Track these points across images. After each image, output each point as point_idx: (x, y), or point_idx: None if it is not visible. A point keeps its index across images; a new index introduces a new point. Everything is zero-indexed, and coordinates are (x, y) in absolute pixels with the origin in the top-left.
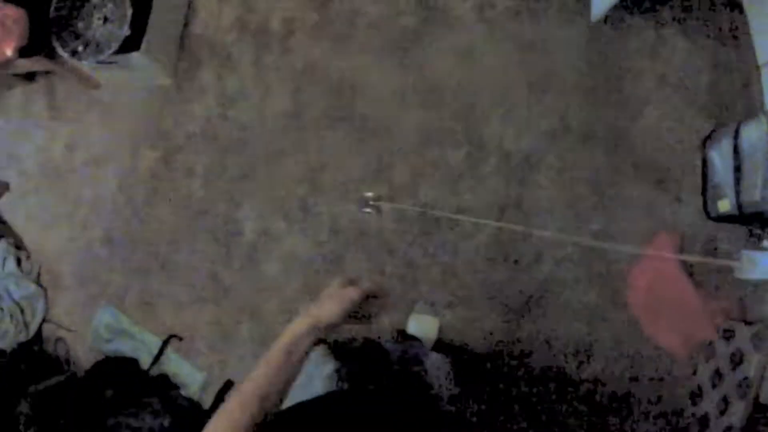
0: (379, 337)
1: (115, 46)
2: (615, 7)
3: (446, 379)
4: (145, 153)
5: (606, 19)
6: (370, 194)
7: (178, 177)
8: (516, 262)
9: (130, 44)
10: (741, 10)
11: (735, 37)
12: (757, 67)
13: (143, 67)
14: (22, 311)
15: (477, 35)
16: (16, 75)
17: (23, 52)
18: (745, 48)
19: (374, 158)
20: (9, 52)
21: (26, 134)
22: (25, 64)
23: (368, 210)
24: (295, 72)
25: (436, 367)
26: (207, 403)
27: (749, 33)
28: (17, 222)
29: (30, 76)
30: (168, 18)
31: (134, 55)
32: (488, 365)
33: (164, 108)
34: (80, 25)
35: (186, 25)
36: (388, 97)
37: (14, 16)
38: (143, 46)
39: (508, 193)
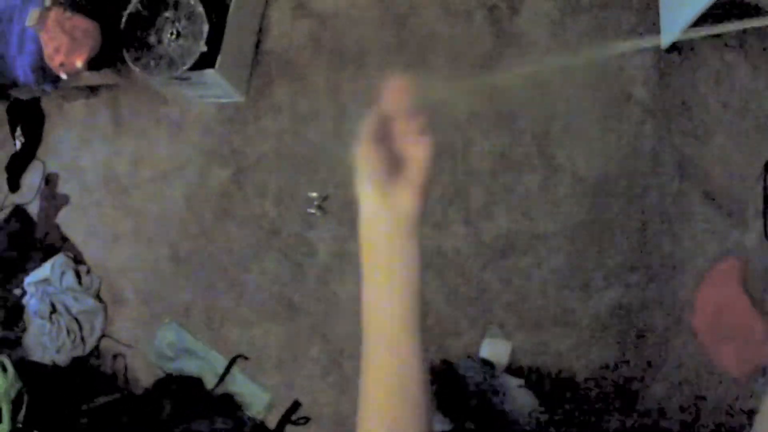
0: (454, 362)
1: (189, 62)
2: (684, 32)
3: (530, 415)
4: (215, 170)
5: (674, 45)
6: (314, 194)
7: (250, 196)
8: (586, 286)
9: (205, 61)
10: None
11: None
12: None
13: (216, 84)
14: (79, 326)
15: (549, 60)
16: (78, 87)
17: (92, 65)
18: None
19: (449, 181)
20: (79, 63)
21: (89, 147)
22: (93, 77)
23: (313, 211)
24: (370, 92)
25: (520, 403)
26: (271, 424)
27: None
28: (77, 236)
29: (93, 90)
30: (242, 34)
31: (208, 72)
32: (560, 388)
33: (235, 126)
34: (152, 39)
35: (259, 42)
36: (463, 120)
37: (84, 27)
38: (218, 62)
39: (581, 218)
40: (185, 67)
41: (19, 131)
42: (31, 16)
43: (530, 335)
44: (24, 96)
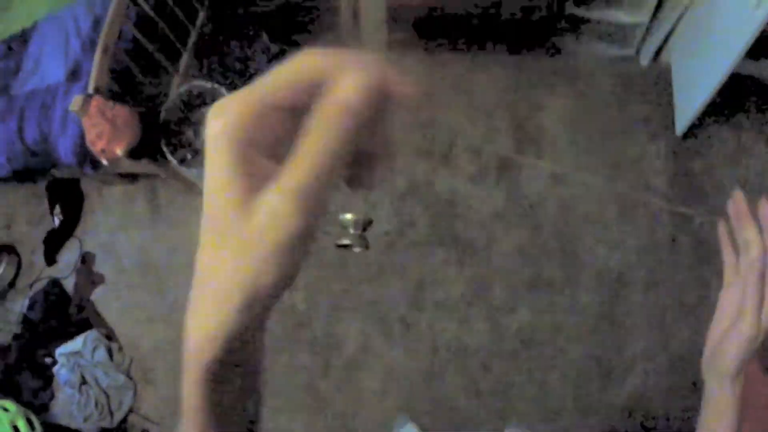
0: None
1: None
2: (698, 119)
3: None
4: None
5: (690, 131)
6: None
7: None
8: (608, 374)
9: None
10: None
11: None
12: None
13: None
14: (108, 399)
15: (570, 157)
16: (118, 174)
17: (132, 154)
18: None
19: (474, 277)
20: (119, 151)
21: (126, 231)
22: (131, 165)
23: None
24: (398, 193)
25: None
26: None
27: None
28: (111, 314)
29: (132, 177)
30: None
31: None
32: None
33: None
34: (189, 133)
35: None
36: (487, 217)
37: (125, 116)
38: None
39: (601, 309)
40: None
41: (58, 209)
42: (75, 102)
43: (551, 426)
44: (64, 175)
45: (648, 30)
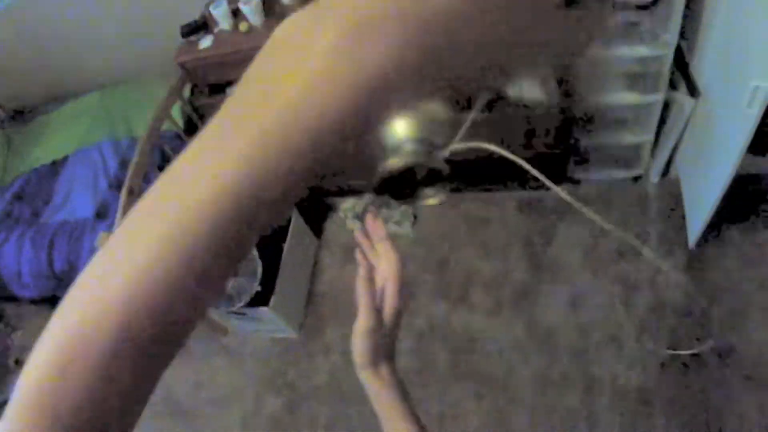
0: None
1: (245, 299)
2: (710, 226)
3: None
4: (270, 399)
5: (702, 239)
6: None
7: (301, 425)
8: None
9: (260, 299)
10: None
11: None
12: None
13: (271, 321)
14: None
15: (584, 282)
16: None
17: None
18: None
19: (493, 408)
20: None
21: None
22: None
23: None
24: (417, 331)
25: None
26: None
27: None
28: None
29: None
30: (295, 275)
31: (263, 310)
32: None
33: (289, 360)
34: None
35: (312, 283)
36: (506, 349)
37: None
38: (272, 302)
39: (623, 429)
40: (241, 303)
41: None
42: (101, 239)
43: None
44: None
45: (655, 146)
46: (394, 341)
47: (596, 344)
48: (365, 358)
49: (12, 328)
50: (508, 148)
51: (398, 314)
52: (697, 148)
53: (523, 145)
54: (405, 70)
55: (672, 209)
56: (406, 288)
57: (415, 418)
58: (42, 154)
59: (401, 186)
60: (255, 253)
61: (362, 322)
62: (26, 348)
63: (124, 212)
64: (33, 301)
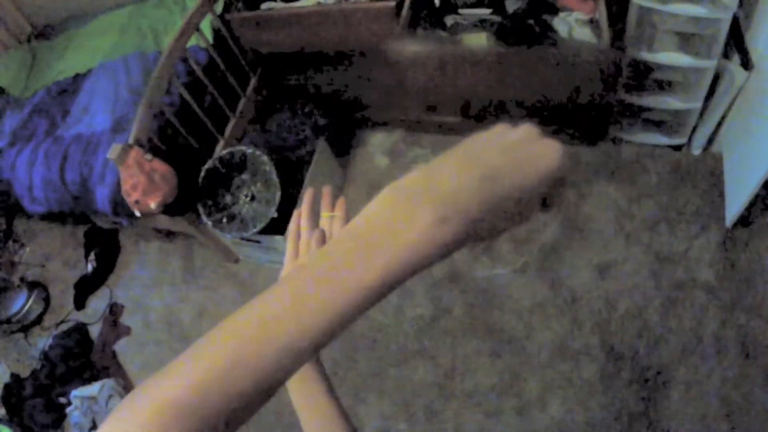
0: None
1: (260, 225)
2: (749, 207)
3: None
4: None
5: (740, 220)
6: None
7: None
8: None
9: (275, 227)
10: None
11: None
12: None
13: (285, 252)
14: None
15: (616, 248)
16: (156, 229)
17: (167, 210)
18: None
19: (507, 369)
20: (153, 205)
21: (158, 289)
22: (167, 222)
23: None
24: (434, 277)
25: None
26: None
27: None
28: (132, 367)
29: (169, 235)
30: (317, 207)
31: (278, 239)
32: None
33: None
34: (228, 198)
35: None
36: (527, 309)
37: (163, 171)
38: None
39: (638, 408)
40: (255, 230)
41: (92, 256)
42: (114, 150)
43: None
44: (104, 224)
45: (700, 117)
46: None
47: (621, 317)
48: None
49: (21, 245)
50: (550, 91)
51: None
52: (745, 123)
53: (566, 94)
54: (466, 239)
55: (712, 184)
56: None
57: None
58: (65, 68)
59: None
60: (275, 178)
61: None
62: (31, 265)
63: (141, 125)
64: (42, 217)
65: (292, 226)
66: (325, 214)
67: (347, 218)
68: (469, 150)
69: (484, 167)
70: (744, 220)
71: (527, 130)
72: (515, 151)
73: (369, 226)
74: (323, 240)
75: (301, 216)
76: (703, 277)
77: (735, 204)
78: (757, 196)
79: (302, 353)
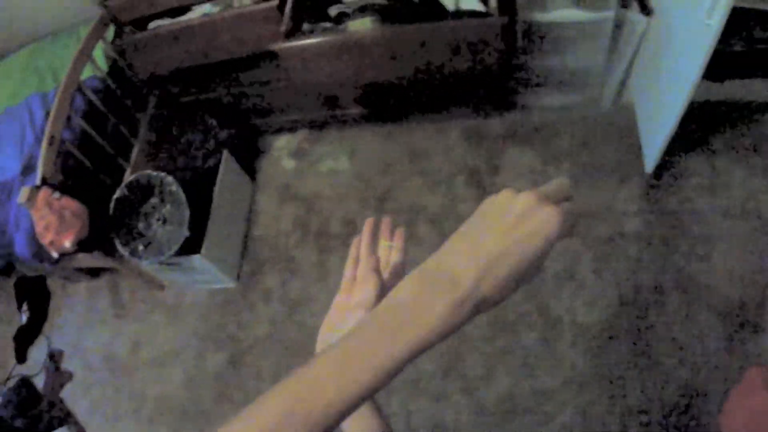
0: None
1: (175, 247)
2: (668, 152)
3: None
4: (212, 355)
5: (660, 166)
6: None
7: (246, 379)
8: None
9: (191, 246)
10: None
11: None
12: None
13: (205, 270)
14: None
15: None
16: (80, 270)
17: (83, 247)
18: None
19: (447, 351)
20: (67, 243)
21: (91, 328)
22: (87, 259)
23: None
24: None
25: None
26: None
27: None
28: (80, 411)
29: (94, 273)
30: (230, 221)
31: (195, 258)
32: None
33: (229, 311)
34: (140, 225)
35: (249, 229)
36: None
37: (73, 208)
38: (203, 249)
39: (587, 368)
40: (171, 252)
41: (25, 306)
42: (23, 194)
43: None
44: (30, 273)
45: (607, 70)
46: None
47: (553, 279)
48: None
49: None
50: (446, 66)
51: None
52: (652, 70)
53: (463, 66)
54: (479, 311)
55: (627, 136)
56: None
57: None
58: None
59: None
60: (182, 197)
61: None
62: None
63: (46, 162)
64: None
65: (352, 251)
66: (384, 242)
67: (404, 248)
68: (474, 236)
69: (489, 255)
70: (664, 166)
71: (526, 201)
72: (516, 230)
73: (397, 310)
74: (377, 266)
75: (361, 243)
76: (632, 228)
77: (652, 151)
78: (672, 140)
79: (341, 413)
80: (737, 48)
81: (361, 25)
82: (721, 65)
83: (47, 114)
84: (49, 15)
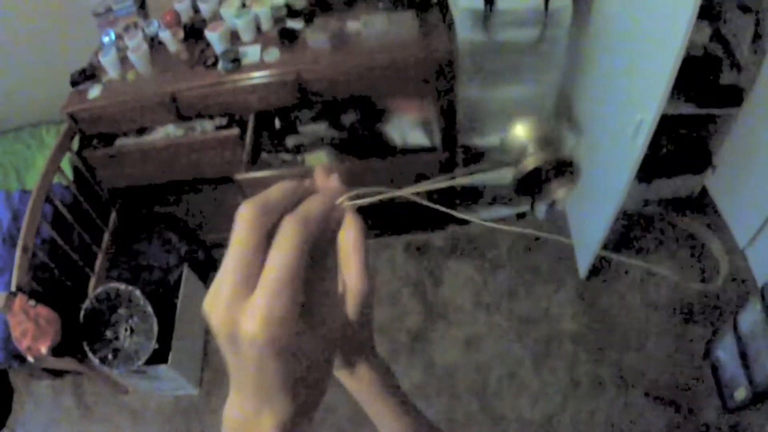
0: None
1: (143, 357)
2: (600, 254)
3: None
4: None
5: (593, 269)
6: None
7: None
8: None
9: (158, 357)
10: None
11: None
12: (741, 252)
13: (170, 378)
14: None
15: (479, 321)
16: (44, 369)
17: (55, 353)
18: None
19: None
20: (44, 350)
21: (57, 427)
22: (55, 363)
23: None
24: None
25: None
26: None
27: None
28: None
29: (58, 373)
30: (191, 330)
31: (162, 367)
32: None
33: (192, 417)
34: (109, 333)
35: (207, 337)
36: (408, 392)
37: (47, 316)
38: (170, 359)
39: None
40: (140, 362)
41: None
42: None
43: None
44: None
45: None
46: (369, 333)
47: (497, 381)
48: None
49: None
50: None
51: (365, 298)
52: (583, 183)
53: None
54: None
55: (560, 243)
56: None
57: (408, 409)
58: None
59: (532, 184)
60: (150, 310)
61: None
62: None
63: (20, 271)
64: None
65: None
66: None
67: None
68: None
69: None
70: (597, 267)
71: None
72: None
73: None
74: None
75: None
76: (568, 328)
77: (585, 255)
78: (603, 243)
79: None
80: (664, 151)
81: (317, 160)
82: (648, 168)
83: (14, 216)
84: (11, 112)
